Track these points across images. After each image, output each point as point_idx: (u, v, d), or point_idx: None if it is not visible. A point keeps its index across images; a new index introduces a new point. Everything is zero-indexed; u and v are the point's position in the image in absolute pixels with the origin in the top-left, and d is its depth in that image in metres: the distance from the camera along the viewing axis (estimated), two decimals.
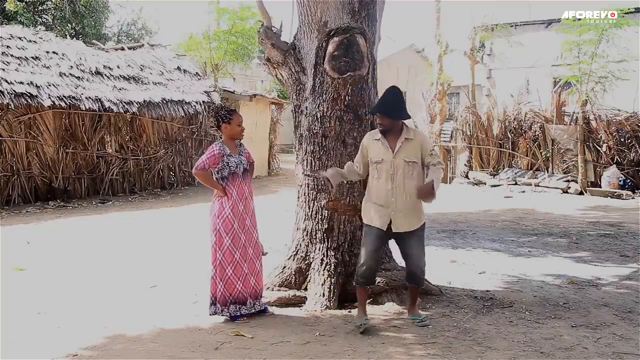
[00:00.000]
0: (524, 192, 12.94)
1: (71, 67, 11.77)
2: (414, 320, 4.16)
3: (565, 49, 12.60)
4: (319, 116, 4.63)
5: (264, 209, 6.34)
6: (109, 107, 11.54)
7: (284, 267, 4.84)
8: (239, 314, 4.29)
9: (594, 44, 12.10)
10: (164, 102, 12.71)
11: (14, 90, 10.03)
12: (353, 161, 4.32)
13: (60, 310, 4.59)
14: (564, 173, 13.26)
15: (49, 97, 10.50)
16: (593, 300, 4.82)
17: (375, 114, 4.18)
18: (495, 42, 18.22)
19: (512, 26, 17.11)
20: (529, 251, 6.83)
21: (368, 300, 4.54)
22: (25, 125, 10.83)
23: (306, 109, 4.73)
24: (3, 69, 10.35)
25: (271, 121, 17.25)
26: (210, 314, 4.30)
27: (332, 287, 4.53)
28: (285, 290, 4.71)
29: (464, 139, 14.79)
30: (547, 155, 13.51)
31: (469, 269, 5.91)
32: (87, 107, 11.21)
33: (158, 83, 13.33)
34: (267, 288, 4.69)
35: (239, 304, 4.29)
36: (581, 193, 12.52)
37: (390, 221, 4.07)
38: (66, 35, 19.29)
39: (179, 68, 14.58)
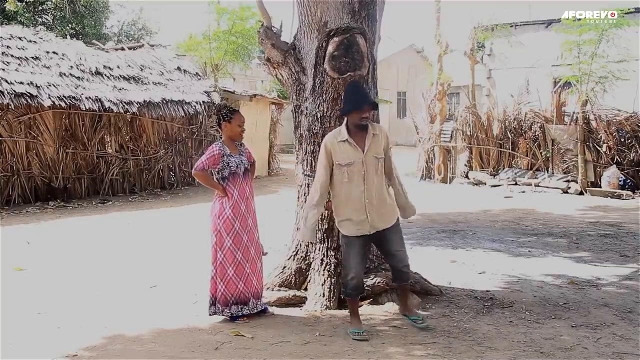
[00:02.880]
0: (524, 192, 12.92)
1: (71, 67, 11.77)
2: (413, 321, 4.15)
3: (565, 49, 12.58)
4: (319, 116, 4.63)
5: (264, 209, 6.33)
6: (109, 107, 11.54)
7: (284, 267, 4.84)
8: (240, 314, 4.28)
9: (594, 44, 12.07)
10: (164, 102, 12.70)
11: (14, 90, 10.03)
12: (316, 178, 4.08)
13: (60, 310, 4.59)
14: (564, 173, 13.24)
15: (49, 97, 10.50)
16: (593, 300, 4.81)
17: (362, 108, 3.91)
18: (495, 42, 18.20)
19: (512, 26, 17.08)
20: (529, 251, 6.83)
21: (368, 300, 4.55)
22: (25, 125, 10.84)
23: (306, 109, 4.73)
24: (3, 69, 10.36)
25: (271, 121, 17.23)
26: (210, 314, 4.30)
27: (332, 287, 4.53)
28: (285, 290, 4.71)
29: (464, 139, 14.77)
30: (547, 156, 13.49)
31: (469, 269, 5.91)
32: (87, 107, 11.21)
33: (158, 83, 13.33)
34: (267, 288, 4.70)
35: (241, 304, 4.28)
36: (581, 193, 12.51)
37: (369, 224, 3.95)
38: (66, 35, 19.27)
39: (179, 68, 14.58)
